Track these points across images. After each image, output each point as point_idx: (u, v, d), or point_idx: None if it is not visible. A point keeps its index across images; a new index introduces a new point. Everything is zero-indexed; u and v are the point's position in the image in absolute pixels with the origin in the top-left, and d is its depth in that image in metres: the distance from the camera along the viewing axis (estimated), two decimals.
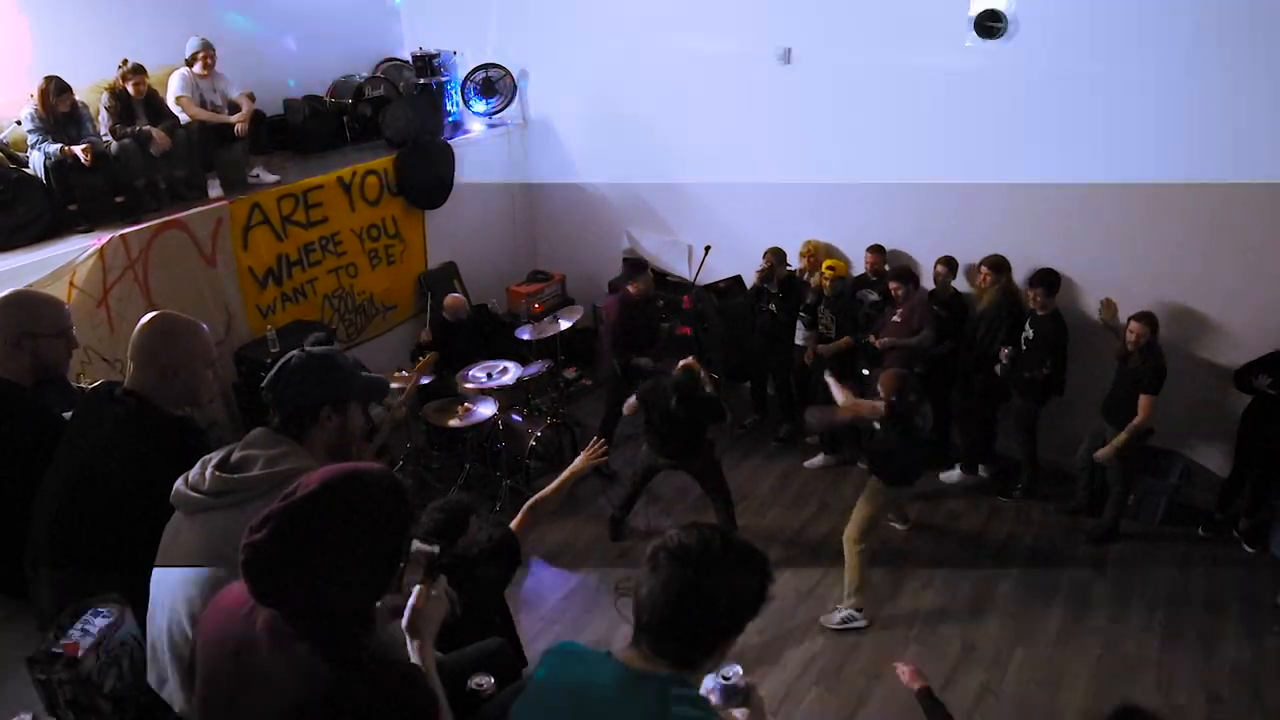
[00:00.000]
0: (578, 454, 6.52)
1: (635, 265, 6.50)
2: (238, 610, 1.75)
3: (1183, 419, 6.07)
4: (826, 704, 4.76)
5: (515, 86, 8.22)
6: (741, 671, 2.20)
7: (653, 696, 1.69)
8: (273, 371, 2.30)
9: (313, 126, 7.32)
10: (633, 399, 5.60)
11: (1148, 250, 5.94)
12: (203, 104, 6.25)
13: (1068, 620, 5.39)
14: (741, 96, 7.16)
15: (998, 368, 5.97)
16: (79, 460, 2.49)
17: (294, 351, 2.34)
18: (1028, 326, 6.00)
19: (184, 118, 6.16)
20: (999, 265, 6.09)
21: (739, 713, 2.14)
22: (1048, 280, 5.89)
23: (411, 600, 1.97)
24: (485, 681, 2.96)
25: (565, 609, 5.50)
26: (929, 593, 5.61)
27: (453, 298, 6.97)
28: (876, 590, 5.54)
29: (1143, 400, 5.49)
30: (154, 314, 2.61)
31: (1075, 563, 5.88)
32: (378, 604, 1.83)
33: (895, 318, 6.26)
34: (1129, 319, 5.57)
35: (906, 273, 6.30)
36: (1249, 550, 5.95)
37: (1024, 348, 5.99)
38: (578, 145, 8.35)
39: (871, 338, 6.35)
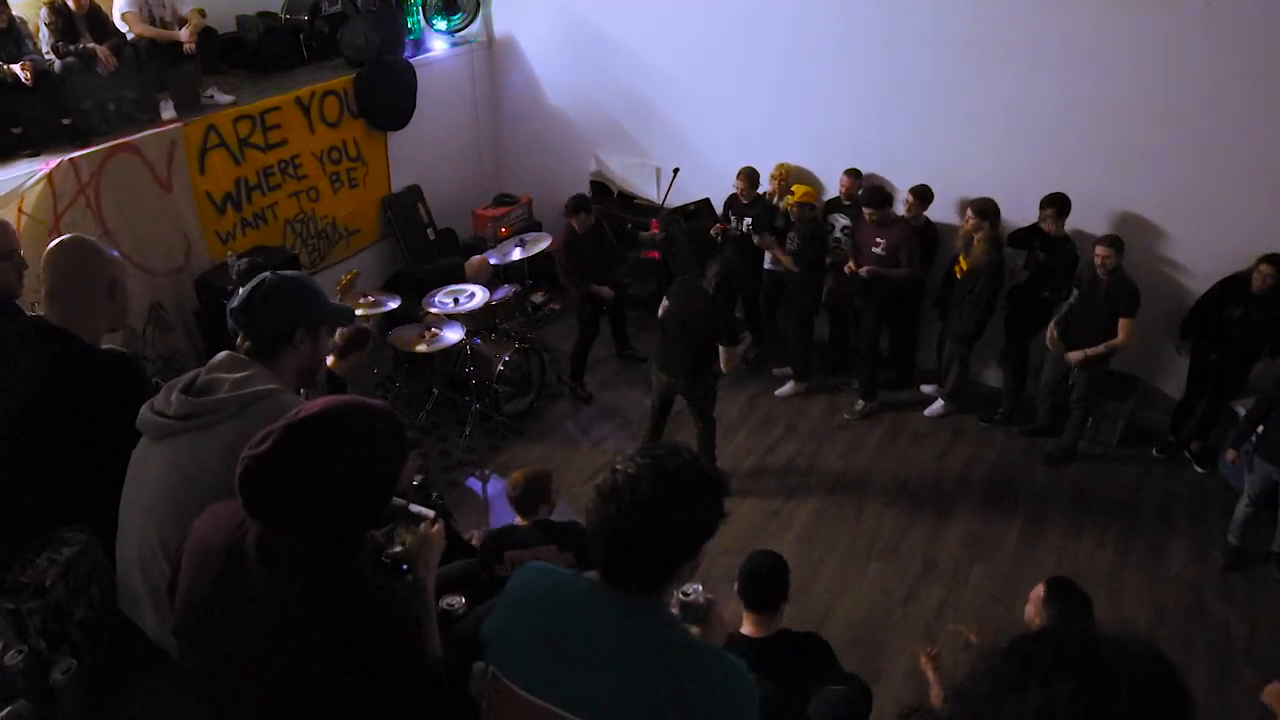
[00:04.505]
0: (546, 378, 6.63)
1: (579, 201, 6.44)
2: (227, 524, 1.77)
3: (1141, 344, 6.18)
4: (791, 619, 4.87)
5: (479, 3, 7.97)
6: (701, 589, 2.24)
7: (625, 610, 1.72)
8: (244, 293, 2.28)
9: (267, 45, 7.04)
10: (665, 302, 5.38)
11: (1108, 173, 5.99)
12: (151, 20, 5.99)
13: (1025, 537, 5.56)
14: (713, 12, 7.01)
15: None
16: (12, 392, 2.45)
17: (265, 274, 2.32)
18: (1038, 250, 6.00)
19: (131, 35, 5.91)
20: (985, 210, 5.89)
21: (698, 629, 2.18)
22: (1059, 202, 5.83)
23: (423, 530, 2.14)
24: (456, 601, 2.99)
25: None
26: (892, 511, 5.75)
27: (478, 260, 6.71)
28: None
29: (1123, 323, 5.58)
30: (57, 240, 2.58)
31: (1034, 482, 6.05)
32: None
33: (878, 249, 6.15)
34: (1095, 243, 5.63)
35: (881, 194, 6.13)
36: (1199, 471, 6.15)
37: (1034, 270, 6.03)
38: (544, 64, 8.15)
39: (851, 266, 6.27)
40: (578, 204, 6.43)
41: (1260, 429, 5.14)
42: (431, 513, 2.29)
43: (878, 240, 6.15)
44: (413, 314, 6.33)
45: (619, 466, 1.72)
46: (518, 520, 3.85)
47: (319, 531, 1.70)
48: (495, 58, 8.35)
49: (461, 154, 8.33)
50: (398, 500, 2.33)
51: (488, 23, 8.22)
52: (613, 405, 6.80)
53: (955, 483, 6.04)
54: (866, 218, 6.17)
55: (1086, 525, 5.68)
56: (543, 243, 6.68)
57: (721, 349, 5.21)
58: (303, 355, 2.30)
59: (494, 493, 5.92)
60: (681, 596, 2.21)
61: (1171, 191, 5.89)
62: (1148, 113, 5.76)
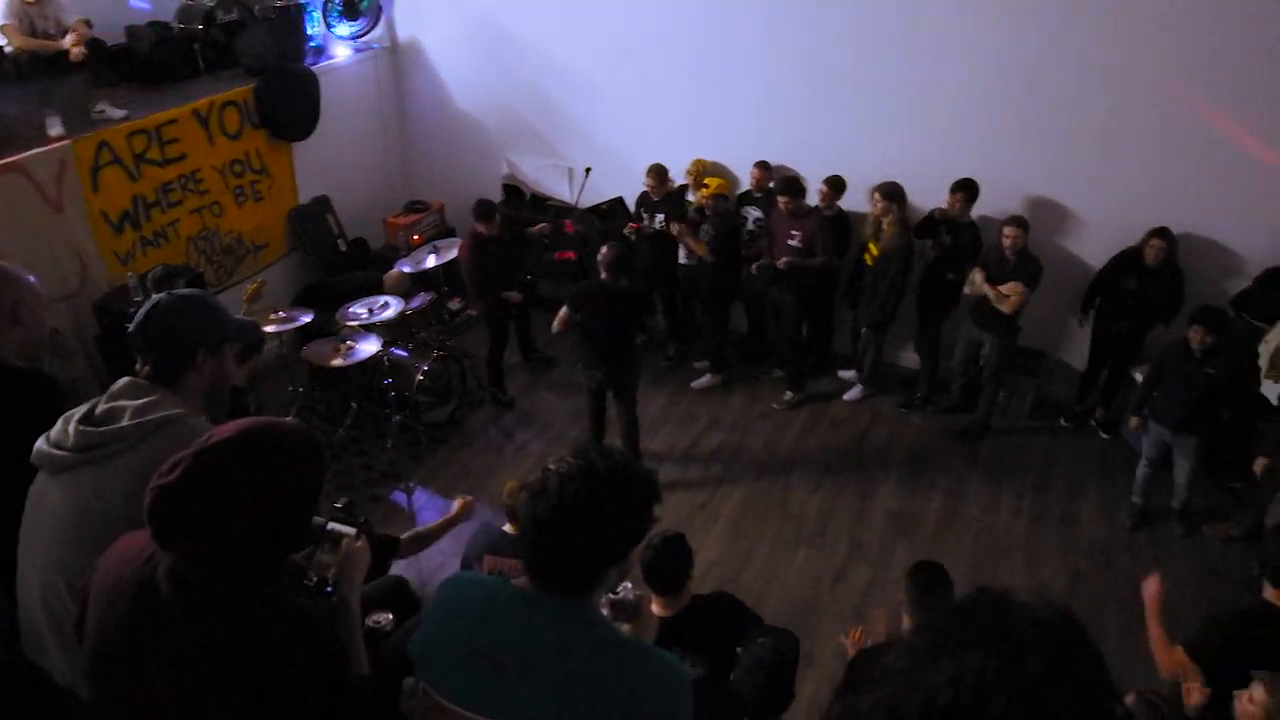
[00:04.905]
0: (467, 385, 6.55)
1: (486, 206, 6.37)
2: (137, 555, 1.72)
3: (1046, 318, 6.43)
4: None
5: (380, 7, 7.83)
6: (631, 586, 2.25)
7: (555, 615, 1.72)
8: (140, 316, 2.21)
9: (160, 55, 6.79)
10: (563, 310, 5.40)
11: (1011, 156, 6.20)
12: (33, 32, 5.73)
13: (945, 512, 5.74)
14: (621, 11, 7.02)
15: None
16: None
17: (160, 295, 2.26)
18: (944, 234, 6.16)
19: (10, 48, 5.64)
20: (892, 193, 6.02)
21: (628, 626, 2.19)
22: (969, 187, 6.00)
23: (346, 548, 2.10)
24: (383, 618, 2.97)
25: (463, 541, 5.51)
26: (817, 497, 5.86)
27: (395, 274, 6.57)
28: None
29: (1019, 289, 5.73)
30: None
31: (951, 459, 6.24)
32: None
33: (793, 240, 6.22)
34: (1002, 224, 5.81)
35: (795, 185, 6.18)
36: (1105, 437, 6.44)
37: (940, 253, 6.19)
38: (451, 68, 8.05)
39: (767, 258, 6.36)
40: (487, 209, 6.36)
41: (1155, 394, 5.40)
42: (352, 530, 2.26)
43: (793, 232, 6.23)
44: (327, 327, 6.19)
45: (552, 466, 1.72)
46: (508, 528, 3.82)
47: (235, 559, 1.67)
48: (400, 62, 8.23)
49: (369, 162, 8.18)
50: (316, 520, 2.29)
51: (391, 27, 8.09)
52: (534, 410, 6.78)
53: (876, 464, 6.19)
54: (782, 207, 6.23)
55: (1002, 497, 5.88)
56: (456, 248, 6.60)
57: None
58: (207, 376, 2.24)
59: (419, 504, 5.84)
60: (610, 595, 2.22)
61: (1071, 172, 6.13)
62: (1046, 97, 5.97)
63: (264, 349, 2.99)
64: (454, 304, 6.95)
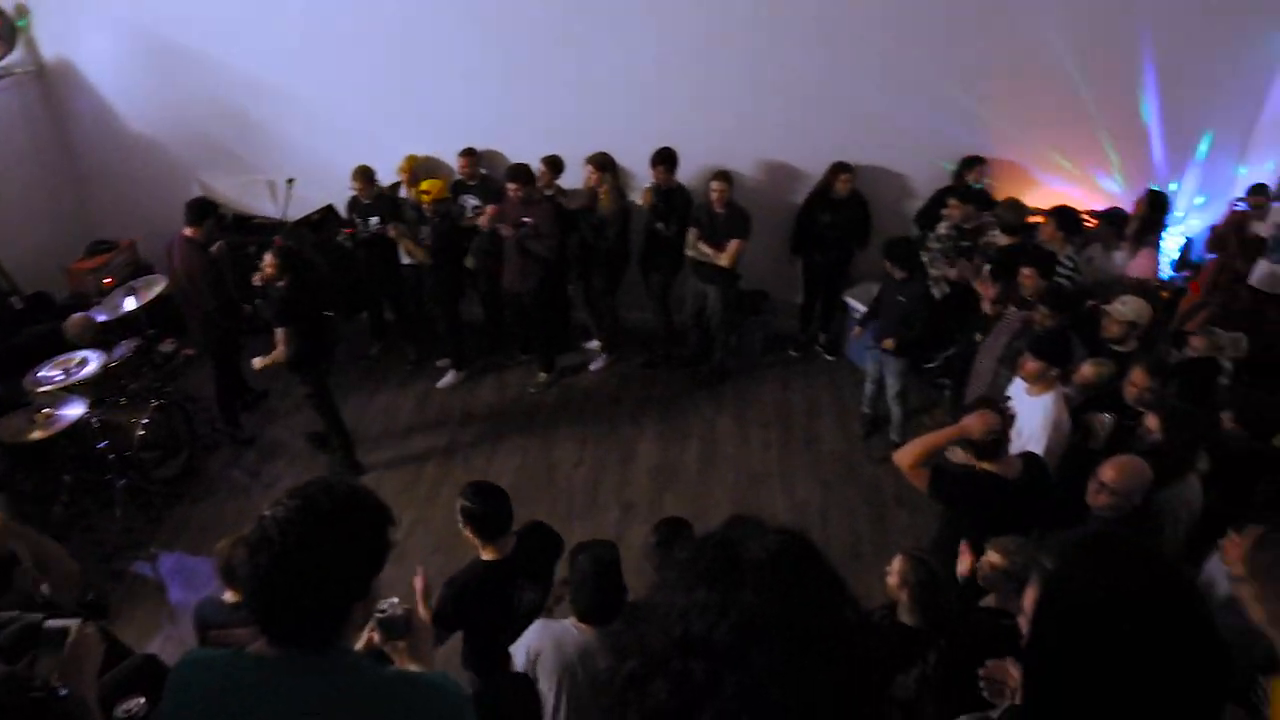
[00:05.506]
0: (195, 430, 6.04)
1: (203, 206, 5.89)
2: None
3: (763, 261, 6.86)
4: None
5: (14, 28, 6.91)
6: (397, 601, 2.16)
7: (303, 673, 1.63)
8: None
9: None
10: (278, 333, 5.34)
11: (706, 115, 6.52)
12: None
13: (703, 457, 6.06)
14: (285, 8, 6.64)
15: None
16: None
17: None
18: (656, 200, 6.35)
19: None
20: (604, 163, 6.23)
21: (403, 644, 2.11)
22: (667, 158, 6.21)
23: (72, 638, 1.92)
24: (135, 704, 2.71)
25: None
26: (581, 469, 5.98)
27: (77, 319, 5.76)
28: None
29: (733, 244, 6.07)
30: None
31: (699, 406, 6.59)
32: None
33: (527, 231, 6.17)
34: (711, 180, 6.12)
35: (524, 172, 6.14)
36: (830, 359, 7.03)
37: (652, 217, 6.41)
38: (116, 88, 7.28)
39: (485, 222, 6.32)
40: (203, 209, 5.85)
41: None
42: (74, 621, 2.04)
43: (524, 221, 6.19)
44: (15, 398, 5.47)
45: (268, 512, 1.62)
46: (227, 595, 3.48)
47: None
48: (51, 88, 7.33)
49: (33, 204, 7.24)
50: (30, 619, 2.06)
51: (32, 47, 7.17)
52: (277, 441, 6.37)
53: (631, 426, 6.40)
54: (511, 195, 6.17)
55: (751, 431, 6.29)
56: (157, 285, 6.02)
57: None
58: None
59: (167, 571, 5.35)
60: (378, 614, 2.13)
61: (758, 125, 6.55)
62: (723, 60, 6.33)
63: None
64: (166, 346, 6.36)
